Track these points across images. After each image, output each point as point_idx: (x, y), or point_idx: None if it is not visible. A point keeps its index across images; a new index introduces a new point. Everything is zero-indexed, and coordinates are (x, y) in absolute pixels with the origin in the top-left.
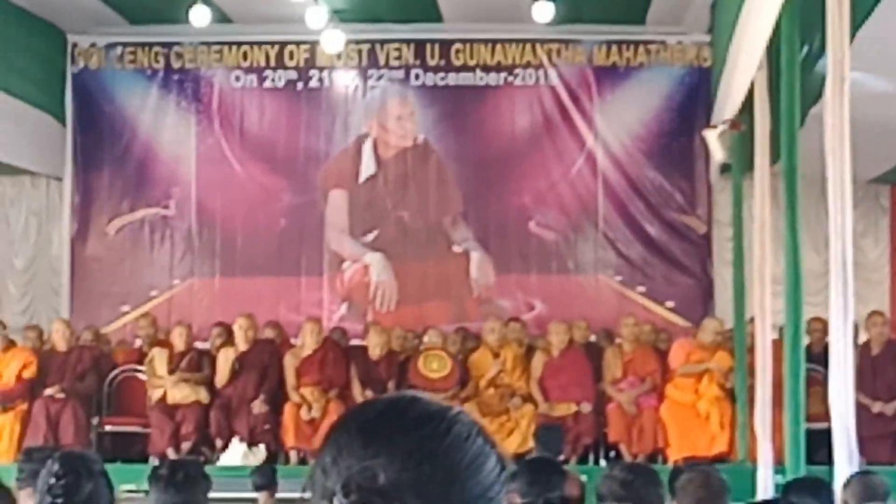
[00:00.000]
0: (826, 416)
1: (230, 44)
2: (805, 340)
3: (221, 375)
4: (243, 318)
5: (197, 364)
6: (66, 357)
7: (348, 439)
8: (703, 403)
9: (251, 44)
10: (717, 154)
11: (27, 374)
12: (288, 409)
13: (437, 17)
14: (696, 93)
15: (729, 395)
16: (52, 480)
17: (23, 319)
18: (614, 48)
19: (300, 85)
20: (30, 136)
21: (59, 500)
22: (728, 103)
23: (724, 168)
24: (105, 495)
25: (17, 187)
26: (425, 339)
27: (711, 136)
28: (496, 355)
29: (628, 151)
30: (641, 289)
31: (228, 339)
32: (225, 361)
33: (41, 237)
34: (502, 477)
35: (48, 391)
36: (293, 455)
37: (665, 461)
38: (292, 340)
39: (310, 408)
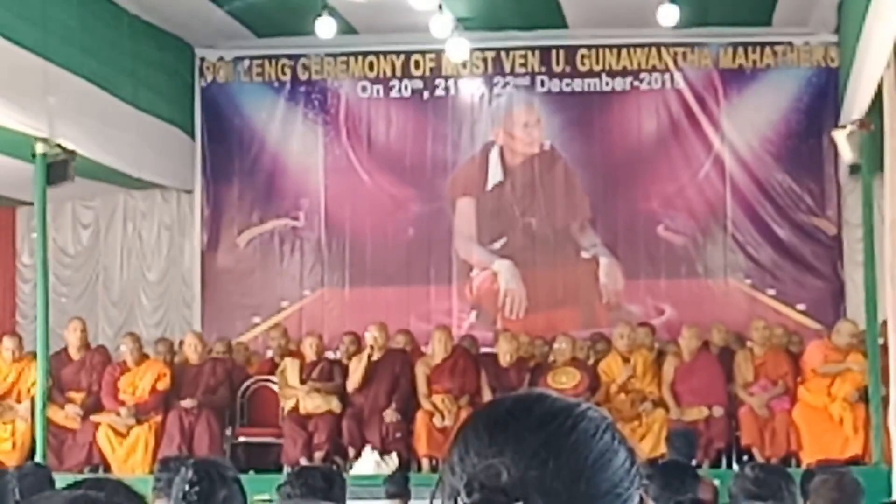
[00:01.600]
0: None
1: (356, 54)
2: None
3: (354, 381)
4: (375, 327)
5: (328, 374)
6: (199, 369)
7: (475, 437)
8: (836, 406)
9: (377, 54)
10: (847, 154)
11: (161, 387)
12: (420, 418)
13: (561, 24)
14: (824, 93)
15: (863, 397)
16: (187, 487)
17: (156, 332)
18: (740, 50)
19: (426, 94)
20: (160, 151)
21: None
22: (856, 103)
23: (854, 168)
24: (239, 501)
25: (148, 201)
26: (555, 346)
27: (840, 137)
28: (626, 360)
29: (756, 154)
30: (772, 292)
31: (359, 348)
32: (356, 367)
33: (173, 250)
34: (633, 472)
35: (183, 403)
36: (425, 463)
37: (798, 464)
38: (423, 349)
39: (442, 416)
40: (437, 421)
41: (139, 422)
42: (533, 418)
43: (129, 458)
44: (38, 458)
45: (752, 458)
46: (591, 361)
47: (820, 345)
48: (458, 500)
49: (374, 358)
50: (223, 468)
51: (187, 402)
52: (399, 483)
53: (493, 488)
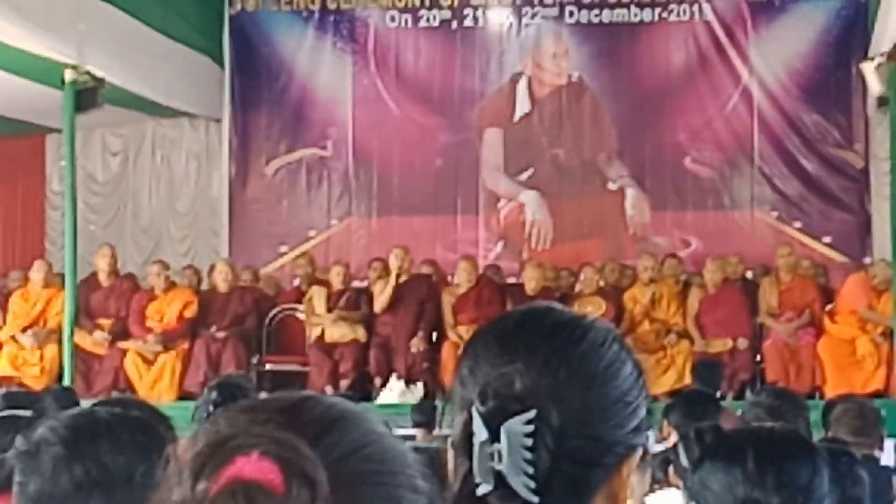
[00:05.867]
0: None
1: None
2: None
3: (380, 302)
4: (399, 250)
5: (355, 303)
6: (227, 297)
7: (485, 349)
8: (864, 340)
9: None
10: (875, 87)
11: (188, 314)
12: (446, 348)
13: None
14: (853, 26)
15: (888, 332)
16: (211, 408)
17: (184, 260)
18: None
19: (454, 24)
20: (189, 79)
21: None
22: (885, 36)
23: (882, 101)
24: None
25: (177, 129)
26: (581, 276)
27: (869, 69)
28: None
29: (784, 86)
30: (798, 224)
31: (385, 274)
32: (383, 289)
33: (201, 179)
34: (640, 382)
35: (211, 330)
36: None
37: (822, 398)
38: (449, 279)
39: None
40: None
41: (166, 349)
42: (543, 328)
43: (156, 385)
44: (65, 383)
45: None
46: (616, 291)
47: (859, 280)
48: (472, 409)
49: (400, 281)
50: (246, 389)
51: (219, 334)
52: (425, 412)
53: (507, 396)
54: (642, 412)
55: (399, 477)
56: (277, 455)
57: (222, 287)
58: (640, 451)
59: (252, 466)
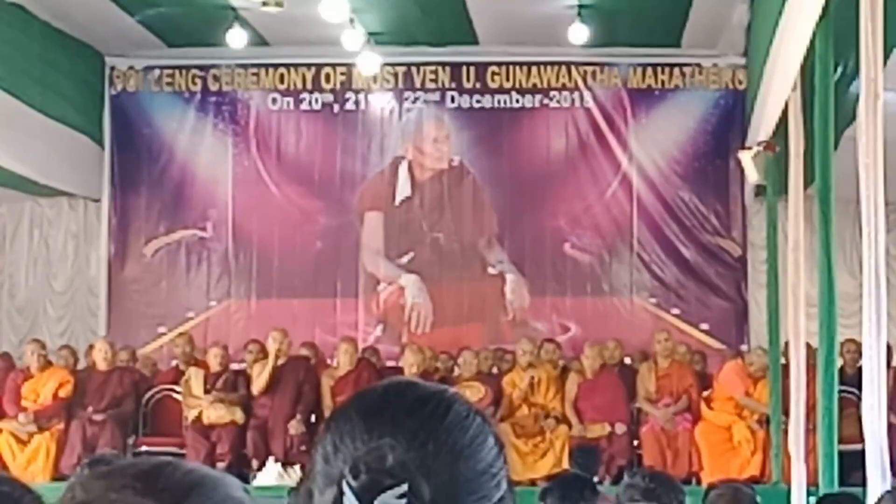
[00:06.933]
0: (860, 439)
1: (267, 66)
2: (839, 362)
3: (258, 384)
4: (277, 332)
5: (233, 384)
6: (106, 377)
7: (349, 425)
8: (741, 427)
9: (288, 66)
10: (752, 176)
11: (63, 394)
12: None
13: (472, 40)
14: (732, 115)
15: (764, 419)
16: None
17: (61, 340)
18: (649, 70)
19: (336, 107)
20: (68, 158)
21: None
22: (763, 125)
23: (759, 190)
24: None
25: (55, 209)
26: (460, 360)
27: (746, 158)
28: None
29: (663, 173)
30: (676, 311)
31: (263, 356)
32: (261, 371)
33: (79, 258)
34: (502, 453)
35: (92, 416)
36: None
37: (699, 483)
38: (328, 361)
39: None
40: None
41: (41, 429)
42: (407, 403)
43: (30, 466)
44: None
45: None
46: (494, 375)
47: (735, 367)
48: (343, 484)
49: (279, 363)
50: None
51: (96, 416)
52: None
53: (379, 470)
54: (504, 485)
55: None
56: None
57: (101, 365)
58: None
59: None
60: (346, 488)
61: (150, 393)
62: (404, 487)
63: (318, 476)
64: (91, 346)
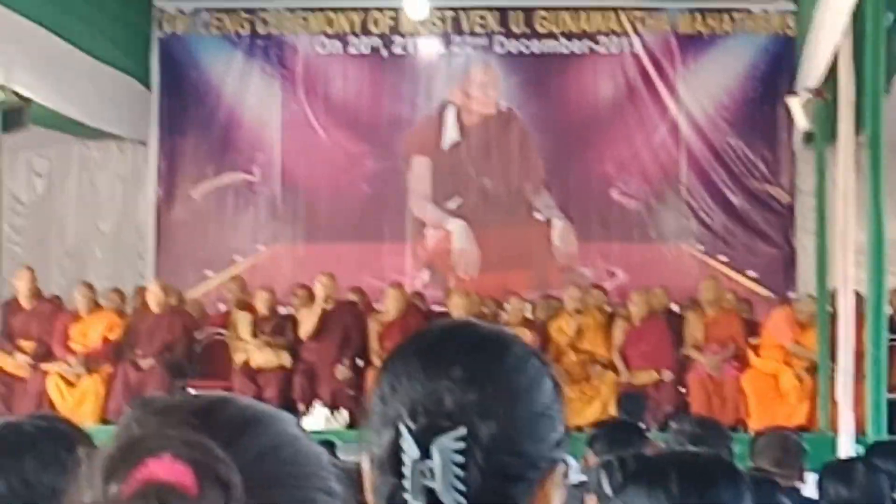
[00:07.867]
0: None
1: (314, 10)
2: (888, 311)
3: (306, 328)
4: (324, 276)
5: (280, 329)
6: (157, 320)
7: (407, 367)
8: (788, 375)
9: (335, 10)
10: (801, 122)
11: (112, 337)
12: (372, 375)
13: None
14: (781, 61)
15: (812, 367)
16: None
17: (109, 283)
18: (699, 16)
19: (384, 52)
20: (115, 101)
21: None
22: (812, 71)
23: (808, 137)
24: None
25: (103, 151)
26: (507, 306)
27: (795, 105)
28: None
29: (711, 120)
30: (723, 258)
31: (310, 300)
32: (308, 315)
33: (127, 202)
34: (559, 395)
35: (138, 354)
36: None
37: (746, 431)
38: (375, 306)
39: None
40: None
41: (89, 371)
42: (465, 344)
43: (79, 408)
44: None
45: None
46: (542, 322)
47: (783, 315)
48: (400, 426)
49: (326, 308)
50: None
51: (145, 360)
52: None
53: (437, 413)
54: (562, 427)
55: (313, 479)
56: (189, 457)
57: (154, 308)
58: (562, 467)
59: (164, 469)
60: (403, 430)
61: (200, 336)
62: (462, 431)
63: (375, 416)
64: (142, 289)
